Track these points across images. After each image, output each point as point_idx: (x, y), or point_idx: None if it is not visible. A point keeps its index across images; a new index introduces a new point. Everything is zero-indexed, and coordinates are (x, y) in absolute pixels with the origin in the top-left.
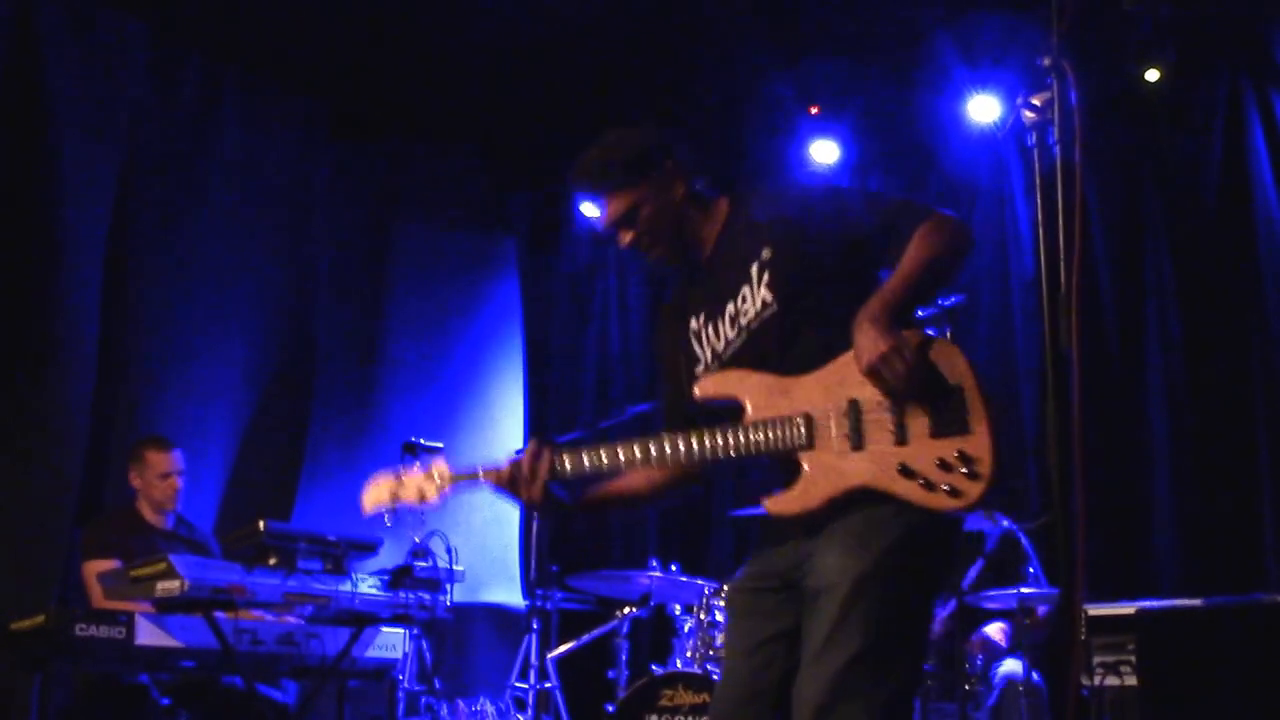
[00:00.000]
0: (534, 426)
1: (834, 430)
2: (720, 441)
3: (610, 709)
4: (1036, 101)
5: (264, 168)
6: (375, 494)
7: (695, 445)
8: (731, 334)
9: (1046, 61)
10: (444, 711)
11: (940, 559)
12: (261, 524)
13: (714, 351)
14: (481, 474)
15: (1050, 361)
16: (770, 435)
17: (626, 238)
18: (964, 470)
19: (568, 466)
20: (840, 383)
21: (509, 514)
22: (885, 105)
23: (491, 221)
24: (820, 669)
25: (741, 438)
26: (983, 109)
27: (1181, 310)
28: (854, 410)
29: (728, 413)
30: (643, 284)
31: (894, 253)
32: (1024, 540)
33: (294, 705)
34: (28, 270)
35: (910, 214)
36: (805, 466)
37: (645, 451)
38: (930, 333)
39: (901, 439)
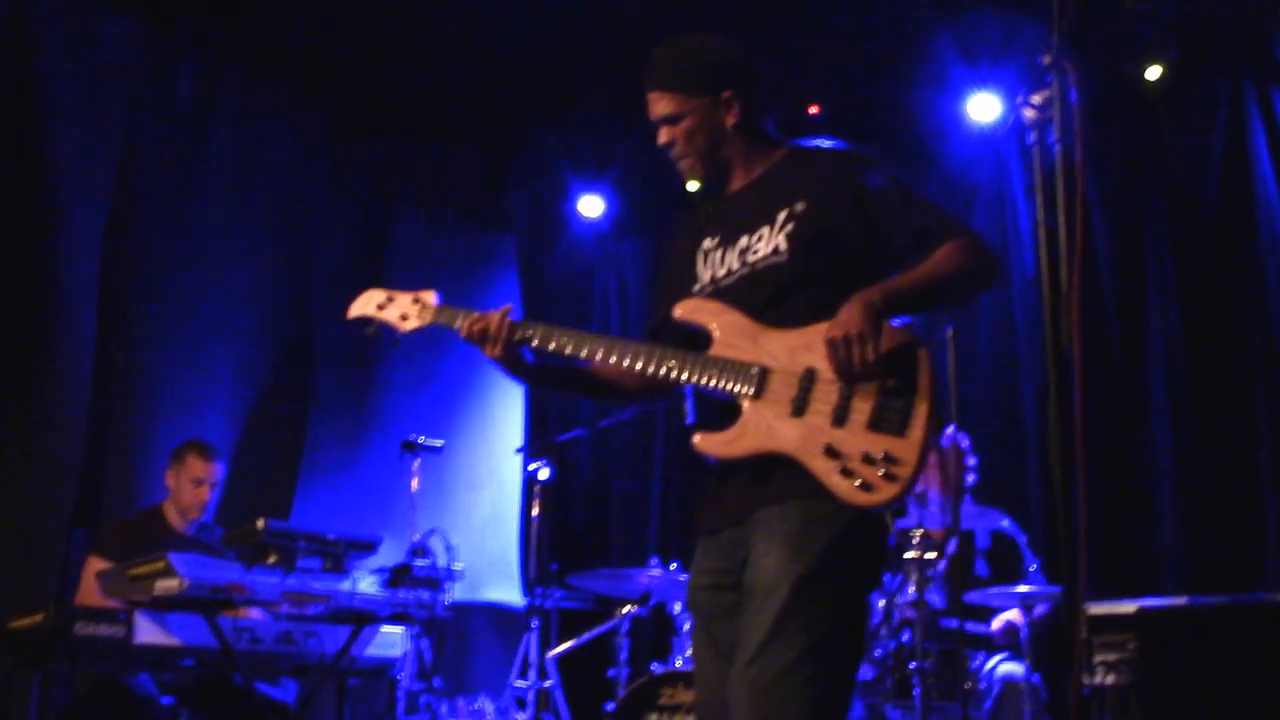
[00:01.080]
0: (533, 424)
1: (783, 391)
2: (675, 364)
3: (610, 708)
4: (1037, 100)
5: (261, 166)
6: (364, 302)
7: (653, 362)
8: (736, 265)
9: (1047, 59)
10: (443, 710)
11: (874, 559)
12: (260, 523)
13: (712, 276)
14: (460, 320)
15: (1051, 360)
16: (723, 374)
17: (663, 137)
18: (883, 470)
19: (535, 339)
20: (807, 347)
21: (509, 512)
22: (885, 103)
23: (490, 219)
24: (755, 672)
25: (696, 368)
26: (983, 107)
27: (1183, 308)
28: (808, 378)
29: (699, 338)
30: (642, 282)
31: (914, 261)
32: (1020, 540)
33: (294, 704)
34: (25, 269)
35: (946, 230)
36: (744, 415)
37: (608, 352)
38: (915, 333)
39: (840, 420)
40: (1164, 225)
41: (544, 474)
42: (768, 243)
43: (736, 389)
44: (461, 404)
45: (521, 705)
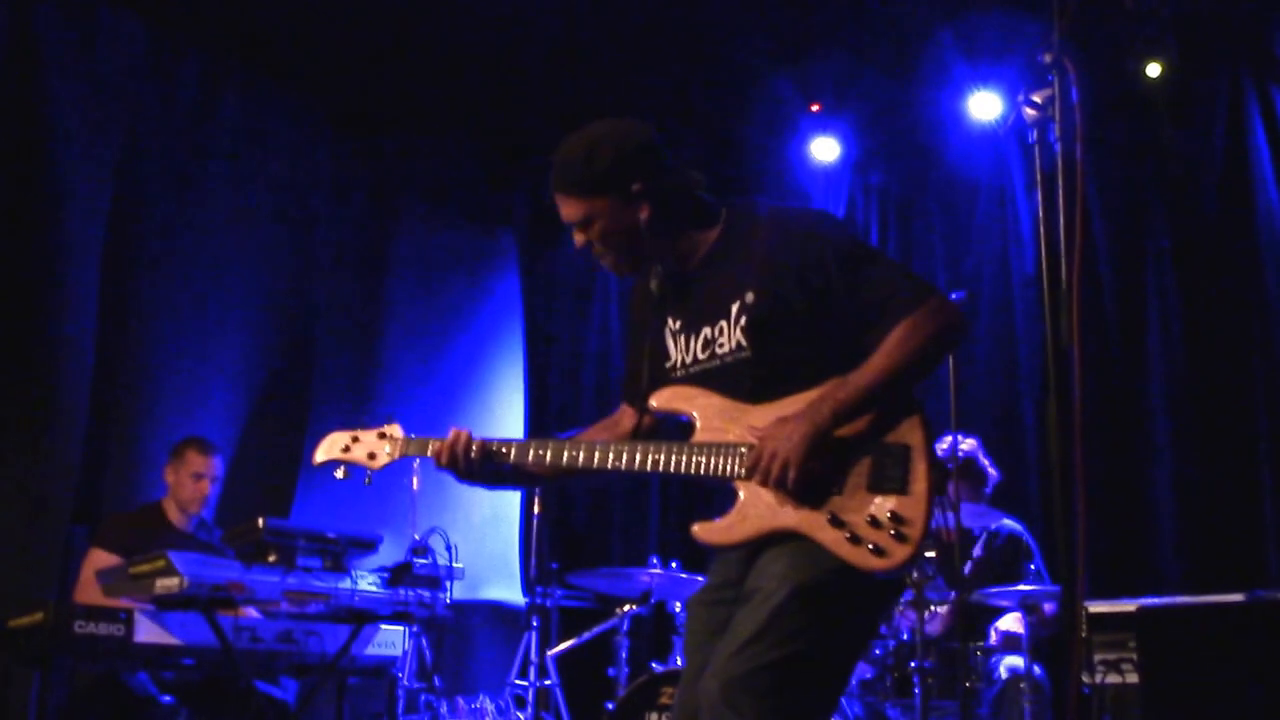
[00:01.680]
0: (534, 421)
1: None
2: (662, 459)
3: (610, 707)
4: (1038, 98)
5: (263, 164)
6: (328, 447)
7: (638, 460)
8: (703, 356)
9: (1048, 58)
10: (443, 709)
11: (873, 600)
12: (261, 521)
13: (683, 361)
14: (431, 449)
15: (1051, 358)
16: (712, 460)
17: (578, 241)
18: (893, 531)
19: (510, 457)
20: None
21: (509, 511)
22: (886, 102)
23: (492, 216)
24: (732, 665)
25: (683, 458)
26: (984, 106)
27: (1183, 306)
28: None
29: (678, 425)
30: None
31: (873, 336)
32: (1029, 539)
33: (294, 703)
34: (26, 268)
35: (901, 303)
36: (740, 497)
37: (590, 454)
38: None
39: (839, 488)
40: (1164, 223)
41: None
42: (729, 337)
43: (727, 472)
44: (462, 403)
45: (521, 704)
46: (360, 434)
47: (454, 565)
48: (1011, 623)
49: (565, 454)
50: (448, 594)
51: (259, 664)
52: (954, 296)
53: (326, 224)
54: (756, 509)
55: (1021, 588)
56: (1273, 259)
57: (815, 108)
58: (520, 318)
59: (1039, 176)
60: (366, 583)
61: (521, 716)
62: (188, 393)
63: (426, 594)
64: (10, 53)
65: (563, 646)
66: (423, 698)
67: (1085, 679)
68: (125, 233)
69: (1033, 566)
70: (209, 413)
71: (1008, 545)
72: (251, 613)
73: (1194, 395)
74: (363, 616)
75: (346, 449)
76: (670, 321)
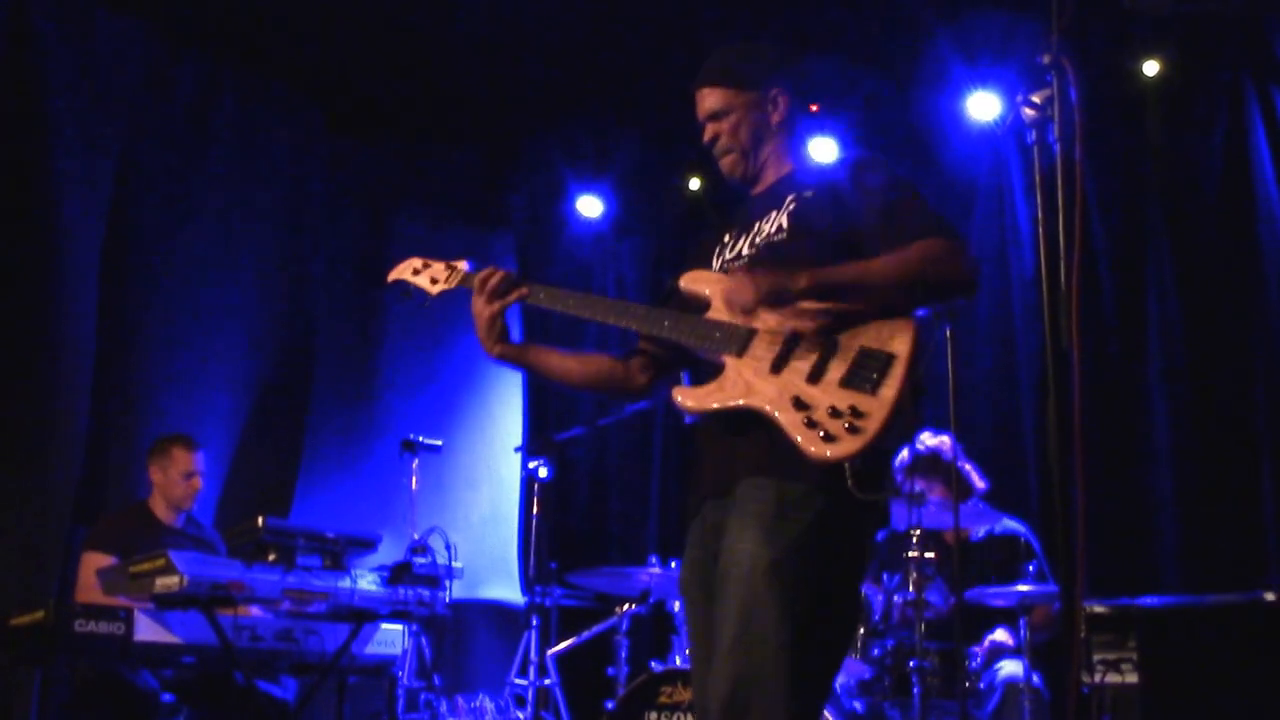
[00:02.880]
0: (533, 423)
1: (765, 350)
2: (669, 322)
3: (610, 706)
4: (1036, 99)
5: (261, 166)
6: (402, 268)
7: (649, 318)
8: (746, 250)
9: (1046, 58)
10: (443, 708)
11: (852, 544)
12: (260, 520)
13: (723, 261)
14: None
15: (1051, 359)
16: (711, 332)
17: (708, 133)
18: (848, 423)
19: (541, 298)
20: (798, 314)
21: (508, 510)
22: (884, 102)
23: (489, 219)
24: (731, 665)
25: (688, 325)
26: (982, 106)
27: (1182, 307)
28: (792, 338)
29: (700, 307)
30: (641, 282)
31: (888, 248)
32: (1031, 538)
33: (293, 702)
34: (25, 268)
35: (927, 226)
36: (725, 372)
37: (607, 313)
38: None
39: (815, 378)
40: (1163, 224)
41: (543, 472)
42: (773, 223)
43: (722, 346)
44: (461, 403)
45: (521, 703)
46: (431, 262)
47: (453, 564)
48: (1002, 635)
49: (588, 308)
50: (447, 593)
51: (259, 663)
52: None
53: (325, 225)
54: (735, 384)
55: (1021, 588)
56: (1273, 259)
57: (813, 108)
58: (520, 318)
59: (1038, 177)
60: (366, 582)
61: (521, 715)
62: (188, 393)
63: (426, 593)
64: (9, 55)
65: (562, 646)
66: (422, 696)
67: (1085, 679)
68: (124, 234)
69: (1032, 567)
70: (209, 413)
71: (1006, 545)
72: (254, 611)
73: (1194, 395)
74: (362, 615)
75: (416, 271)
76: (726, 236)
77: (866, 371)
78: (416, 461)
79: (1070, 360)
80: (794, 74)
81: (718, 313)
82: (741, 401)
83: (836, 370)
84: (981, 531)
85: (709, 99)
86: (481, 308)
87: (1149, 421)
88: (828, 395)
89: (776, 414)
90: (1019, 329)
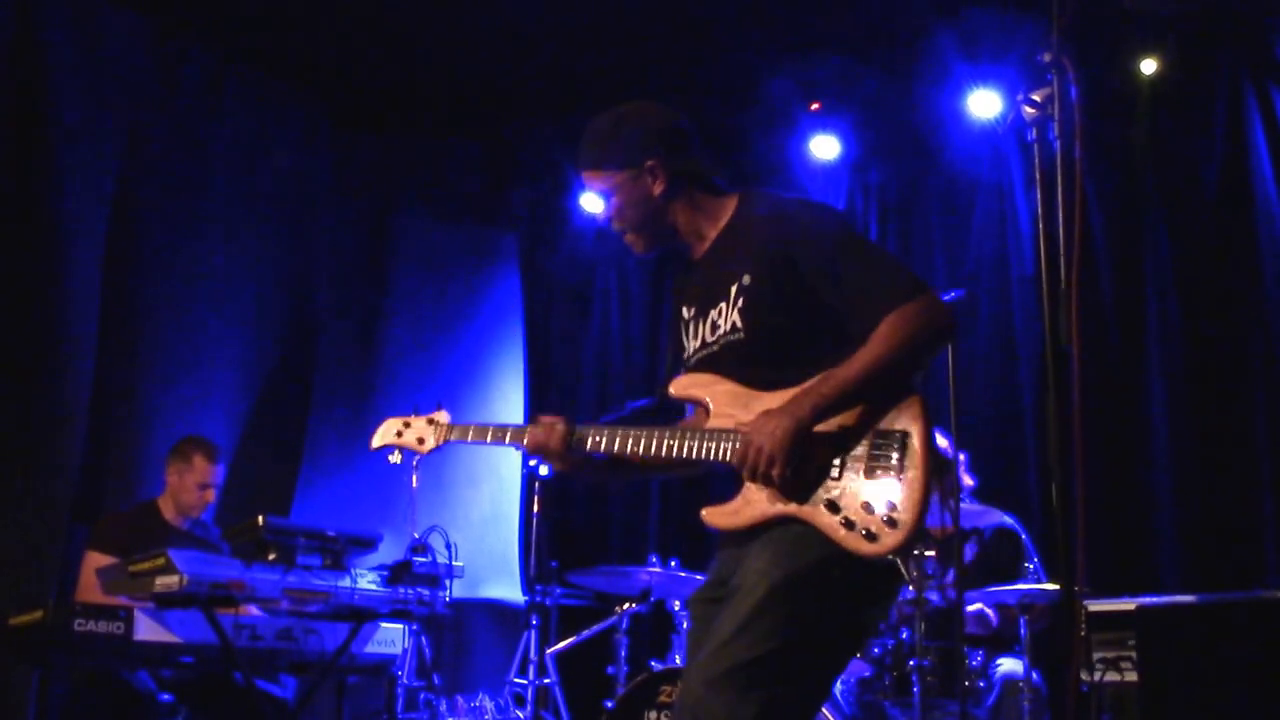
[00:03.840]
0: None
1: None
2: (675, 443)
3: (609, 705)
4: (1037, 97)
5: (265, 162)
6: (383, 433)
7: (654, 444)
8: (710, 338)
9: (1047, 57)
10: (443, 707)
11: (859, 593)
12: (261, 519)
13: (694, 348)
14: (491, 435)
15: (1050, 357)
16: (720, 445)
17: (603, 214)
18: (885, 516)
19: (586, 442)
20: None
21: (509, 510)
22: (886, 101)
23: (492, 215)
24: (714, 663)
25: (697, 443)
26: (983, 104)
27: (1182, 305)
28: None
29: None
30: (644, 279)
31: (859, 329)
32: (1025, 537)
33: (293, 701)
34: (28, 265)
35: (888, 297)
36: (747, 484)
37: (636, 443)
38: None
39: (837, 473)
40: (1163, 222)
41: (544, 471)
42: (726, 319)
43: (729, 457)
44: (461, 402)
45: (521, 702)
46: (411, 420)
47: (453, 563)
48: (1010, 665)
49: (618, 442)
50: (447, 592)
51: (258, 662)
52: (953, 295)
53: (327, 224)
54: (759, 494)
55: (1019, 586)
56: (1272, 259)
57: (815, 106)
58: (520, 317)
59: (1038, 175)
60: (366, 581)
61: (521, 715)
62: (188, 393)
63: (426, 592)
64: (14, 50)
65: (562, 645)
66: (422, 696)
67: (1084, 677)
68: (127, 232)
69: (1029, 564)
70: (209, 413)
71: (1003, 542)
72: (253, 610)
73: (1193, 394)
74: (362, 615)
75: (399, 434)
76: (685, 311)
77: (886, 456)
78: (417, 460)
79: (1070, 359)
80: (665, 138)
81: (720, 418)
82: (775, 511)
83: (856, 461)
84: (977, 529)
85: (590, 183)
86: (557, 467)
87: (1148, 420)
88: (857, 490)
89: (812, 520)
90: (1019, 328)
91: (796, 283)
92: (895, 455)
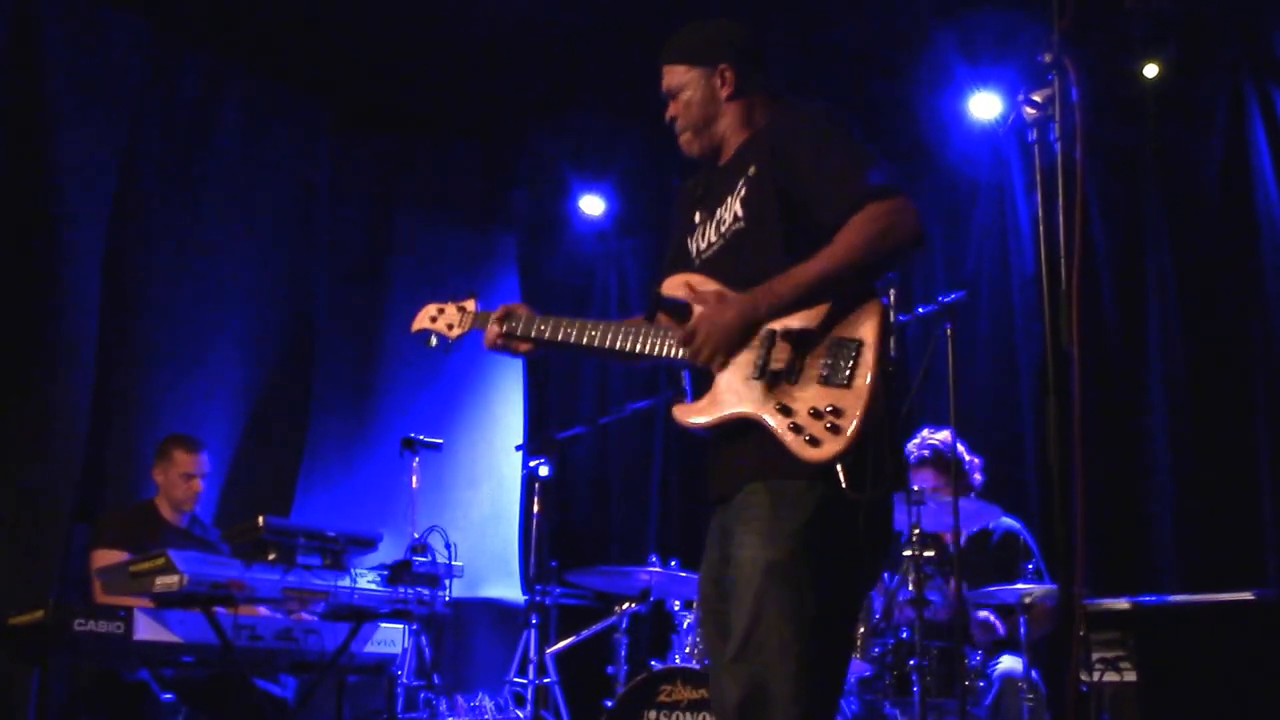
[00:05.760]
0: (533, 422)
1: (748, 355)
2: (654, 341)
3: (609, 705)
4: (1038, 98)
5: (264, 163)
6: (422, 317)
7: (631, 340)
8: (714, 238)
9: (1047, 58)
10: (443, 707)
11: (852, 536)
12: (261, 519)
13: (698, 250)
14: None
15: (1051, 359)
16: (669, 341)
17: (669, 111)
18: (828, 424)
19: (546, 333)
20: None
21: (509, 510)
22: (886, 101)
23: (491, 217)
24: (741, 666)
25: (652, 339)
26: (984, 105)
27: (1182, 307)
28: (768, 339)
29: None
30: (643, 281)
31: (828, 220)
32: (1028, 537)
33: (293, 700)
34: (28, 267)
35: (857, 193)
36: (715, 383)
37: (604, 336)
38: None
39: (794, 376)
40: (1164, 224)
41: (544, 471)
42: (729, 212)
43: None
44: (461, 401)
45: (521, 702)
46: (446, 306)
47: (453, 563)
48: (1010, 663)
49: (586, 334)
50: (447, 592)
51: (258, 662)
52: (953, 296)
53: (327, 224)
54: (725, 394)
55: (1019, 586)
56: (1273, 259)
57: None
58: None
59: (1039, 176)
60: (366, 581)
61: (520, 714)
62: (188, 393)
63: (426, 592)
64: (12, 51)
65: (562, 644)
66: (422, 695)
67: (1083, 677)
68: (126, 232)
69: (1031, 566)
70: (209, 413)
71: (1004, 543)
72: (261, 610)
73: (1194, 394)
74: (362, 614)
75: (434, 319)
76: (696, 216)
77: (841, 363)
78: (417, 460)
79: (1071, 360)
80: (740, 47)
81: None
82: (733, 411)
83: (813, 366)
84: (977, 529)
85: (666, 76)
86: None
87: (1148, 421)
88: (808, 395)
89: (766, 421)
90: (1019, 328)
91: (790, 177)
92: (848, 363)
